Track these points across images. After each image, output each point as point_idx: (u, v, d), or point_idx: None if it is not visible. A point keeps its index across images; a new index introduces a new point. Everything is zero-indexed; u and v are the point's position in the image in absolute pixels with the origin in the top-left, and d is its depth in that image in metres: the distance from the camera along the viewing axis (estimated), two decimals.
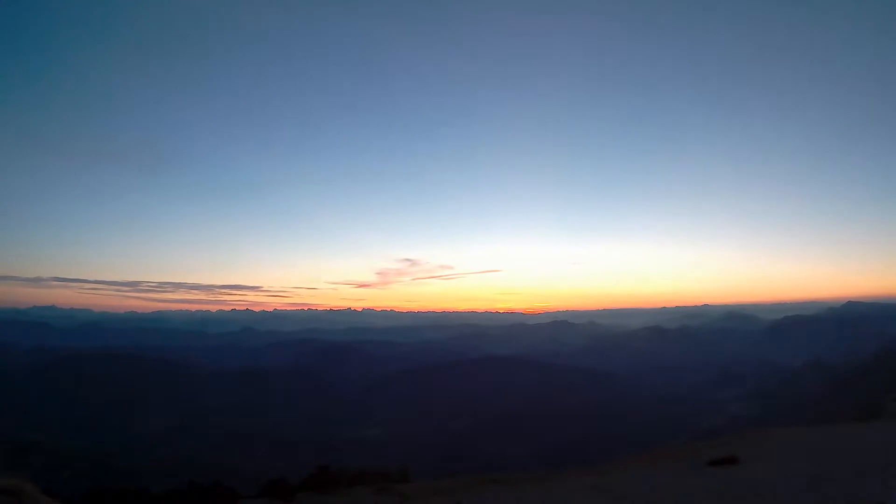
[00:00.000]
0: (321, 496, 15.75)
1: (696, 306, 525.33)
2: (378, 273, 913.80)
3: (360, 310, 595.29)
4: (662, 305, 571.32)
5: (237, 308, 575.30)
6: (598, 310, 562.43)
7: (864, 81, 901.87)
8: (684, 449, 22.42)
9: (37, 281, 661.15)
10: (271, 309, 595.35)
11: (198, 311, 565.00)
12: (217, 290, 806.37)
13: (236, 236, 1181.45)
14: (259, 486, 17.15)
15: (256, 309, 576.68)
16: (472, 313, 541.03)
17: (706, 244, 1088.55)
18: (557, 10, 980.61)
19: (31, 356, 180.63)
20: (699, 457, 16.82)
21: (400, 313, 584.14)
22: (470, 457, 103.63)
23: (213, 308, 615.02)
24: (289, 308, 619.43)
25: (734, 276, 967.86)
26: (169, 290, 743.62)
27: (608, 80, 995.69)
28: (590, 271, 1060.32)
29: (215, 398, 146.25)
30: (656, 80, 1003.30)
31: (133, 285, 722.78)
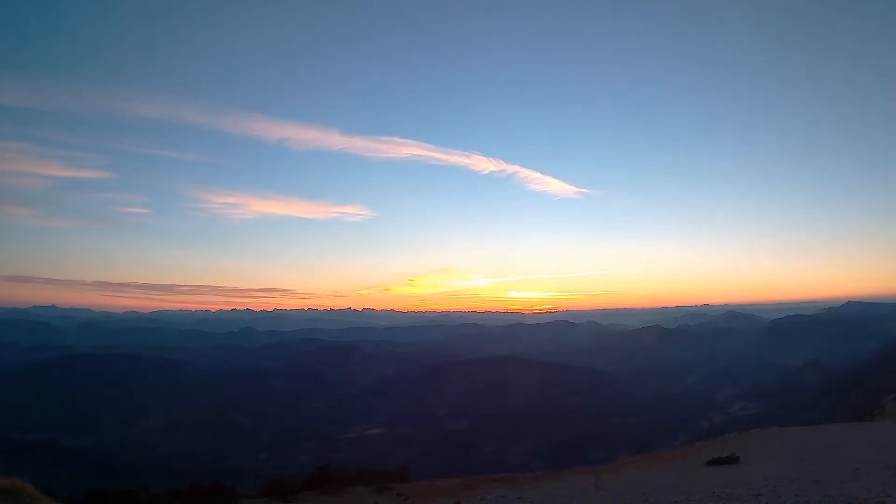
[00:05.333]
0: (321, 496, 15.79)
1: (696, 306, 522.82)
2: (409, 279, 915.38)
3: (360, 309, 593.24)
4: (662, 305, 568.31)
5: (237, 308, 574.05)
6: (598, 310, 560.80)
7: (865, 80, 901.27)
8: (684, 449, 22.50)
9: (39, 280, 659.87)
10: (271, 308, 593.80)
11: (198, 310, 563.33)
12: (254, 292, 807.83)
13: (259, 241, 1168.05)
14: (259, 486, 17.22)
15: (256, 308, 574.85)
16: (472, 313, 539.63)
17: (706, 244, 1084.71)
18: (554, 15, 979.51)
19: (31, 356, 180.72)
20: (699, 457, 16.86)
21: (400, 313, 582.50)
22: (470, 457, 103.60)
23: (214, 308, 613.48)
24: (289, 308, 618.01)
25: (734, 276, 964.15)
26: (205, 292, 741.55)
27: (608, 78, 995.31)
28: (590, 271, 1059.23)
29: (215, 398, 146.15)
30: (656, 77, 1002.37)
31: (168, 288, 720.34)
